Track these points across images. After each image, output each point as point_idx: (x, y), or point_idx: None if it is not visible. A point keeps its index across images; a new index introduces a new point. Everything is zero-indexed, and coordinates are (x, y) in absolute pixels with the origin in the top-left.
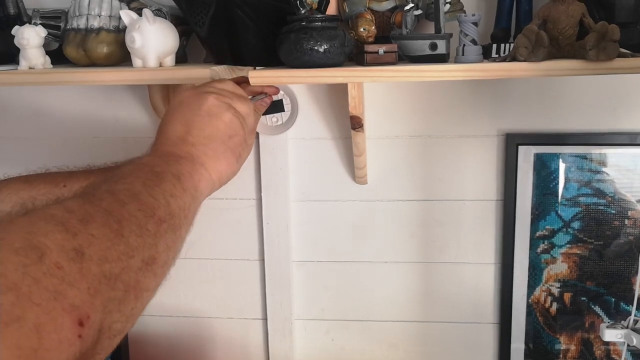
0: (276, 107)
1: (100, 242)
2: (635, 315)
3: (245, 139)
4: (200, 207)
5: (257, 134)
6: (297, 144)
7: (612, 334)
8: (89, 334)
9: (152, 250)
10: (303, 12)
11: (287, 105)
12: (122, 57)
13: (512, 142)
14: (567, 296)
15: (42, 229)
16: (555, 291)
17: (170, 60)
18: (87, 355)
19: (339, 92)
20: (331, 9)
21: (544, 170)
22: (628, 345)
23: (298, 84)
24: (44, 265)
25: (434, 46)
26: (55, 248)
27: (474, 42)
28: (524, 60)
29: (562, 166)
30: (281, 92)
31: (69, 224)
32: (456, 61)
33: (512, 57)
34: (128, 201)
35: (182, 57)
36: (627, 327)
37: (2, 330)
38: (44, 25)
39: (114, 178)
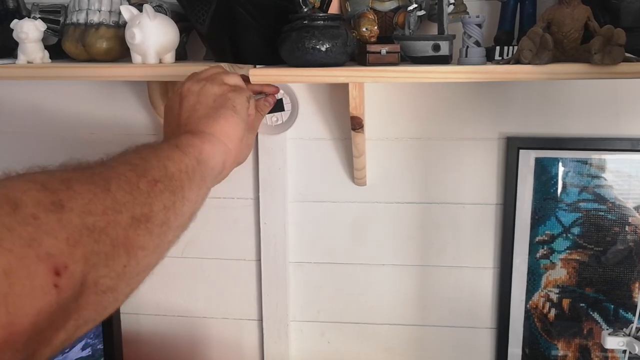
0: (276, 106)
1: (83, 196)
2: (637, 323)
3: (232, 94)
4: (217, 175)
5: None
6: (296, 144)
7: (613, 342)
8: (67, 284)
9: (145, 209)
10: (305, 10)
11: (287, 105)
12: (121, 52)
13: (512, 146)
14: (565, 302)
15: (19, 187)
16: (554, 297)
17: (170, 56)
18: (70, 307)
19: (339, 92)
20: (333, 8)
21: (545, 175)
22: (629, 353)
23: (299, 83)
24: (19, 215)
25: (436, 47)
26: (31, 202)
27: (477, 44)
28: (528, 63)
29: (562, 171)
30: (281, 91)
31: (48, 183)
32: (459, 63)
33: (516, 60)
34: (117, 165)
35: (182, 54)
36: (629, 335)
37: None
38: (43, 20)
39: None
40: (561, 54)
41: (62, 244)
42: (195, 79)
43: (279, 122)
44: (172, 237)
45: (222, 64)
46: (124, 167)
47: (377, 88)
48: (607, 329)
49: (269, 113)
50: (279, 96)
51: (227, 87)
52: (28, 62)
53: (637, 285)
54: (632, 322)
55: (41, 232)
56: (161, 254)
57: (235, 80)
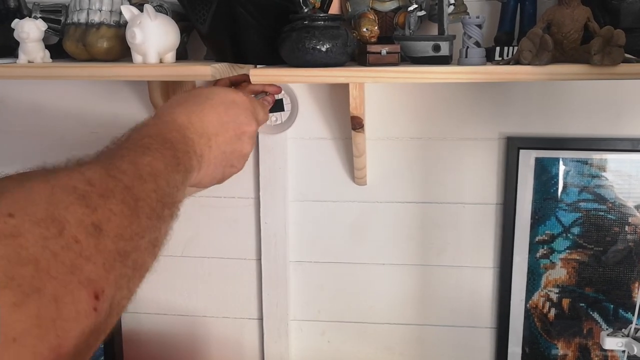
0: (276, 106)
1: (118, 219)
2: (636, 324)
3: (252, 136)
4: None
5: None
6: (297, 144)
7: (612, 342)
8: (103, 307)
9: (156, 233)
10: (306, 10)
11: (287, 105)
12: (122, 52)
13: (513, 146)
14: (565, 302)
15: (63, 202)
16: (554, 297)
17: (170, 56)
18: (100, 329)
19: (339, 92)
20: (334, 9)
21: (545, 175)
22: (628, 353)
23: (299, 83)
24: (63, 239)
25: (437, 48)
26: (74, 222)
27: (477, 44)
28: (528, 64)
29: (562, 171)
30: (282, 91)
31: (89, 198)
32: (459, 63)
33: (516, 61)
34: (148, 179)
35: (182, 54)
36: (627, 336)
37: (23, 300)
38: (44, 19)
39: (137, 147)
40: (561, 54)
41: (100, 269)
42: (255, 117)
43: (279, 122)
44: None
45: (222, 64)
46: (151, 184)
47: (378, 88)
48: (606, 329)
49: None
50: (279, 96)
51: (253, 131)
52: (29, 62)
53: (636, 285)
54: (631, 323)
55: (82, 258)
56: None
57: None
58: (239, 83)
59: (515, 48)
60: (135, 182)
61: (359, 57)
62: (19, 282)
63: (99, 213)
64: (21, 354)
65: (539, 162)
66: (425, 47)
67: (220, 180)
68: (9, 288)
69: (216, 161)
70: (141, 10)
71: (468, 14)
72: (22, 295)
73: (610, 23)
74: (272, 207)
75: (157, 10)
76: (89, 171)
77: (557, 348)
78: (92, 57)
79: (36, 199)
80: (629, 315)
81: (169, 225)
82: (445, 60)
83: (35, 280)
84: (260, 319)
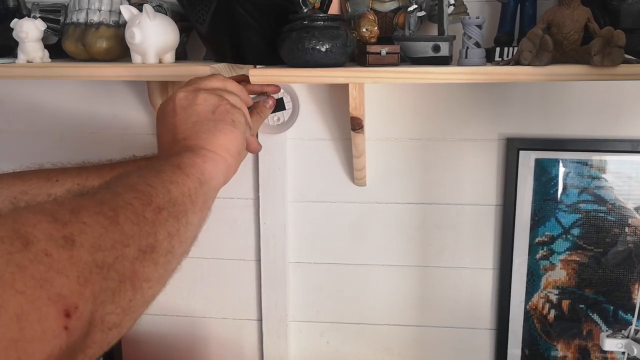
0: (277, 105)
1: (93, 229)
2: (635, 325)
3: (229, 107)
4: (218, 190)
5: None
6: (296, 144)
7: (612, 344)
8: (76, 325)
9: (150, 239)
10: (305, 10)
11: (288, 104)
12: (121, 52)
13: (512, 147)
14: (565, 303)
15: (30, 220)
16: (554, 298)
17: (170, 56)
18: (76, 348)
19: (339, 93)
20: (333, 9)
21: (545, 176)
22: (628, 355)
23: (299, 83)
24: (30, 252)
25: (436, 48)
26: (43, 237)
27: (477, 45)
28: (528, 65)
29: (562, 172)
30: (282, 90)
31: (58, 214)
32: (459, 64)
33: (516, 61)
34: (123, 192)
35: (181, 54)
36: (627, 337)
37: None
38: (43, 19)
39: (110, 179)
40: (561, 55)
41: (73, 283)
42: (191, 87)
43: (281, 121)
44: (175, 264)
45: (222, 64)
46: (129, 194)
47: (377, 88)
48: (606, 331)
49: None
50: (279, 95)
51: (225, 100)
52: (28, 62)
53: (636, 286)
54: (631, 324)
55: (53, 271)
56: (165, 283)
57: (232, 86)
58: (239, 83)
59: (515, 49)
60: (109, 196)
61: (358, 57)
62: None
63: (71, 226)
64: None
65: (538, 163)
66: (425, 48)
67: (237, 137)
68: None
69: (199, 129)
70: (140, 10)
71: (468, 14)
72: None
73: (610, 24)
74: (271, 208)
75: (157, 10)
76: (60, 198)
77: (557, 349)
78: (92, 57)
79: (1, 221)
80: (628, 316)
81: (172, 226)
82: (445, 61)
83: None
84: (260, 319)
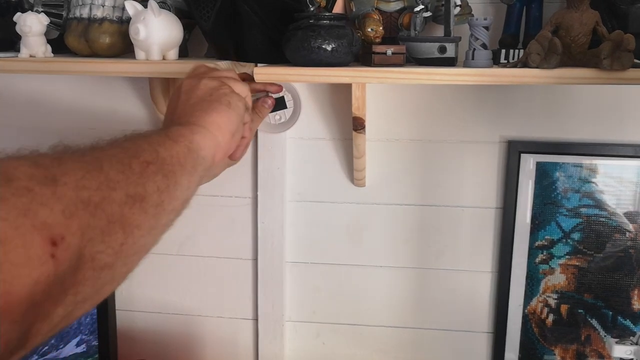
0: (279, 104)
1: (75, 172)
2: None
3: (229, 91)
4: (208, 167)
5: (256, 131)
6: (296, 144)
7: (621, 350)
8: (64, 256)
9: (138, 188)
10: (312, 9)
11: (289, 102)
12: (124, 48)
13: (514, 150)
14: (563, 308)
15: (11, 163)
16: (552, 302)
17: (173, 53)
18: (67, 281)
19: (340, 93)
20: (337, 8)
21: (546, 180)
22: None
23: (303, 82)
24: (12, 187)
25: (443, 49)
26: (24, 176)
27: (484, 46)
28: (536, 67)
29: (563, 176)
30: (283, 89)
31: (40, 160)
32: (465, 65)
33: (524, 64)
34: (107, 148)
35: (183, 51)
36: (636, 344)
37: None
38: (46, 13)
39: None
40: (568, 58)
41: (57, 215)
42: (196, 73)
43: (282, 120)
44: (166, 220)
45: (225, 62)
46: (115, 149)
47: (379, 89)
48: (604, 336)
49: (271, 112)
50: (280, 94)
51: (226, 86)
52: (30, 56)
53: (636, 292)
54: (629, 330)
55: (36, 203)
56: (156, 236)
57: (234, 81)
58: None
59: (521, 51)
60: (93, 151)
61: (362, 57)
62: None
63: (53, 169)
64: None
65: (540, 166)
66: (430, 49)
67: (229, 111)
68: None
69: (200, 106)
70: (145, 6)
71: (473, 15)
72: None
73: (618, 27)
74: (269, 207)
75: (161, 7)
76: (42, 151)
77: (555, 354)
78: (94, 53)
79: None
80: (627, 322)
81: (161, 182)
82: (451, 62)
83: None
84: (256, 319)
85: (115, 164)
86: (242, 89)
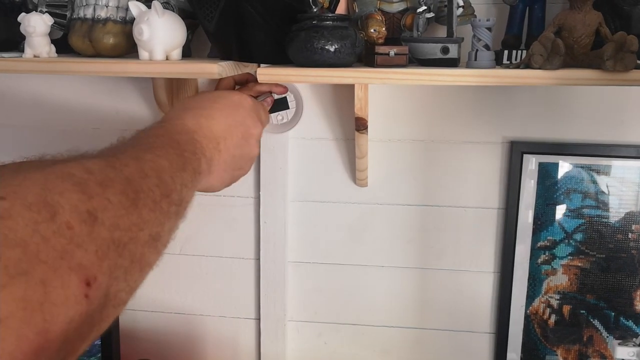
0: (280, 104)
1: (115, 208)
2: None
3: (253, 162)
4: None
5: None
6: (298, 144)
7: (624, 352)
8: (95, 295)
9: (159, 228)
10: (315, 10)
11: (291, 103)
12: (128, 48)
13: (516, 150)
14: (566, 308)
15: (58, 187)
16: (555, 303)
17: (177, 53)
18: (94, 319)
19: (343, 93)
20: (340, 9)
21: (548, 180)
22: None
23: (306, 83)
24: (55, 224)
25: (445, 50)
26: (68, 208)
27: (487, 47)
28: (539, 68)
29: (566, 176)
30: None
31: (86, 185)
32: (468, 66)
33: (526, 65)
34: (150, 174)
35: (186, 51)
36: (639, 345)
37: (9, 283)
38: (50, 14)
39: (142, 144)
40: (571, 59)
41: (92, 256)
42: (259, 118)
43: (284, 120)
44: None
45: (228, 62)
46: (154, 180)
47: (381, 89)
48: (607, 337)
49: (273, 112)
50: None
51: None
52: (34, 56)
53: (638, 292)
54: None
55: (73, 244)
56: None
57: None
58: (243, 82)
59: (524, 52)
60: (136, 175)
61: (365, 58)
62: (5, 264)
63: (95, 201)
64: (6, 335)
65: (542, 167)
66: (433, 50)
67: (229, 184)
68: None
69: (225, 165)
70: (149, 7)
71: (475, 16)
72: (8, 277)
73: (621, 29)
74: (271, 207)
75: (164, 7)
76: (89, 162)
77: (557, 355)
78: (98, 53)
79: (29, 185)
80: (630, 323)
81: (174, 222)
82: (453, 63)
83: (22, 263)
84: (258, 318)
85: (149, 203)
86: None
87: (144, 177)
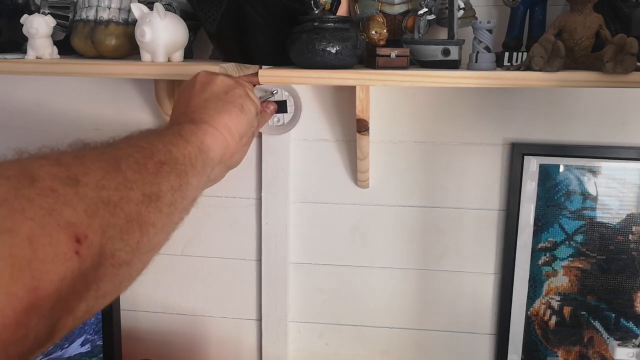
0: (280, 107)
1: (96, 172)
2: None
3: (244, 94)
4: (214, 166)
5: (260, 133)
6: (300, 145)
7: (623, 353)
8: (87, 253)
9: (154, 188)
10: (316, 12)
11: (290, 107)
12: (129, 50)
13: (517, 152)
14: (566, 310)
15: (34, 164)
16: (555, 304)
17: (179, 55)
18: (90, 277)
19: (343, 95)
20: (342, 11)
21: (549, 182)
22: None
23: (308, 84)
24: (37, 188)
25: (446, 52)
26: (48, 176)
27: (487, 49)
28: (539, 70)
29: (567, 178)
30: (286, 93)
31: (62, 159)
32: (469, 68)
33: (527, 67)
34: (124, 147)
35: (188, 53)
36: (639, 346)
37: None
38: (52, 15)
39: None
40: (572, 61)
41: (80, 214)
42: (214, 71)
43: (280, 122)
44: (177, 218)
45: (229, 64)
46: (131, 149)
47: (382, 91)
48: (607, 338)
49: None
50: (283, 98)
51: (241, 87)
52: (37, 58)
53: (639, 294)
54: (632, 332)
55: (60, 203)
56: (168, 233)
57: (248, 85)
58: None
59: (524, 54)
60: (109, 149)
61: (367, 59)
62: None
63: (74, 169)
64: None
65: (543, 168)
66: (434, 51)
67: (247, 140)
68: None
69: (228, 121)
70: (151, 8)
71: (476, 18)
72: None
73: (621, 31)
74: (273, 208)
75: (166, 9)
76: (63, 148)
77: (557, 356)
78: (100, 55)
79: (7, 165)
80: (630, 324)
81: (174, 182)
82: (454, 65)
83: (7, 221)
84: (259, 319)
85: (132, 164)
86: (256, 98)
87: (118, 148)
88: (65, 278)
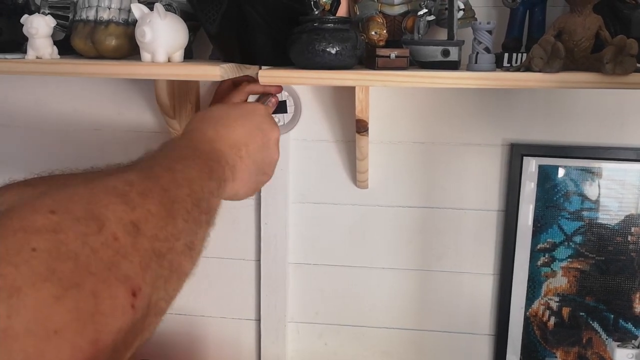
0: (279, 108)
1: (155, 219)
2: None
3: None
4: None
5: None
6: (299, 146)
7: (623, 354)
8: (140, 305)
9: (192, 237)
10: (316, 12)
11: (290, 107)
12: (130, 50)
13: (517, 153)
14: (565, 311)
15: (103, 200)
16: (554, 305)
17: (179, 55)
18: (138, 328)
19: (343, 95)
20: (342, 11)
21: (548, 183)
22: None
23: (307, 85)
24: (103, 235)
25: (446, 53)
26: (114, 219)
27: (487, 50)
28: (539, 71)
29: (566, 179)
30: (285, 93)
31: (128, 196)
32: (469, 69)
33: (527, 67)
34: (183, 184)
35: (188, 53)
36: (638, 347)
37: (62, 295)
38: (52, 16)
39: (172, 156)
40: (571, 62)
41: (136, 267)
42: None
43: (281, 123)
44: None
45: (230, 64)
46: (186, 189)
47: (381, 91)
48: (606, 339)
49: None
50: (282, 98)
51: (278, 157)
52: (37, 58)
53: (637, 295)
54: (631, 333)
55: (119, 256)
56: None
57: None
58: (241, 83)
59: (524, 55)
60: (171, 185)
61: (366, 60)
62: (59, 277)
63: (138, 212)
64: (61, 346)
65: (542, 169)
66: (434, 52)
67: (253, 191)
68: (50, 282)
69: (249, 171)
70: (151, 9)
71: (476, 19)
72: (62, 289)
73: (620, 32)
74: (272, 209)
75: (166, 9)
76: (127, 173)
77: (556, 357)
78: (100, 55)
79: (77, 199)
80: (629, 325)
81: (205, 230)
82: (454, 66)
83: (75, 275)
84: (258, 320)
85: (183, 212)
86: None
87: (178, 186)
88: (121, 330)
